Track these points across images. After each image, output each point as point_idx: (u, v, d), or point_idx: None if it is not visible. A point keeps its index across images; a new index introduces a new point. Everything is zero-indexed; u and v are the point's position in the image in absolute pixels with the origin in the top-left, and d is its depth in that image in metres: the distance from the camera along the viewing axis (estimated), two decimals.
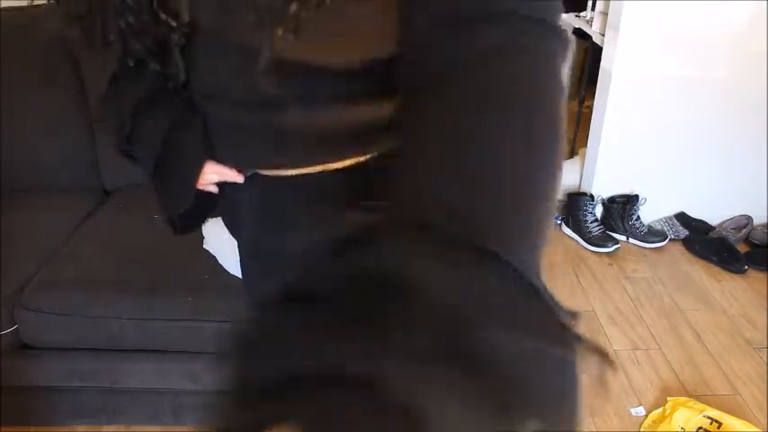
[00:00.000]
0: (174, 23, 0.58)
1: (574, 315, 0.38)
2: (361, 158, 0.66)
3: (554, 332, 0.37)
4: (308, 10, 0.50)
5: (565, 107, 0.45)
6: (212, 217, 0.89)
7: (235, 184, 0.76)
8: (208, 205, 0.84)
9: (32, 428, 1.74)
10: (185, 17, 0.57)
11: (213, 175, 0.75)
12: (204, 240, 1.70)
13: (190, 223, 0.85)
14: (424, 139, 0.44)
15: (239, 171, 0.74)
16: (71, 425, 1.74)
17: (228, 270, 1.61)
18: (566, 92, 0.46)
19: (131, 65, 0.64)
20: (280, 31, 0.51)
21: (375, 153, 0.66)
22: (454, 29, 0.45)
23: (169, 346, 1.57)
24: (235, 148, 0.72)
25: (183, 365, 1.58)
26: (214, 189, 0.80)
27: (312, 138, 0.65)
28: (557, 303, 0.38)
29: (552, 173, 0.43)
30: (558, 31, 0.46)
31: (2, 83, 1.95)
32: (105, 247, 1.73)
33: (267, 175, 0.72)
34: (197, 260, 1.65)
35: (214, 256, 1.65)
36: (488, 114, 0.43)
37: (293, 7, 0.49)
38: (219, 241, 1.67)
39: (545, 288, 0.38)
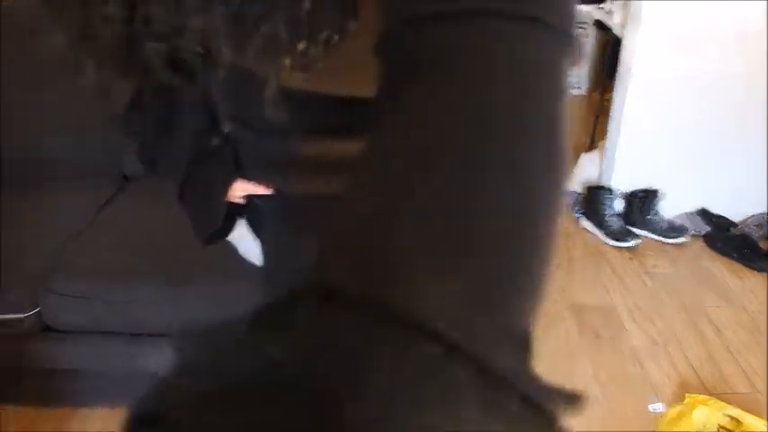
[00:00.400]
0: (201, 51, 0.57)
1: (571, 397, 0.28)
2: None
3: None
4: (316, 47, 0.48)
5: (566, 119, 0.35)
6: None
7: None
8: (234, 216, 0.87)
9: (55, 410, 1.76)
10: (221, 51, 0.50)
11: (241, 191, 0.78)
12: None
13: (217, 234, 0.88)
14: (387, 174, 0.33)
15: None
16: (92, 406, 1.77)
17: (247, 258, 1.61)
18: (565, 98, 0.36)
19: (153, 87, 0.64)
20: (287, 62, 0.50)
21: None
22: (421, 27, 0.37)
23: (189, 331, 1.58)
24: (257, 172, 0.74)
25: None
26: (241, 201, 0.83)
27: (324, 165, 0.66)
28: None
29: (550, 218, 0.32)
30: (555, 31, 0.37)
31: (24, 65, 1.96)
32: (126, 232, 1.75)
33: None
34: (216, 247, 1.65)
35: (235, 245, 1.65)
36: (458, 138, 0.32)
37: (301, 45, 0.48)
38: (239, 230, 1.67)
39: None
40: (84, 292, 1.56)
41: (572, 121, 0.47)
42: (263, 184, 0.75)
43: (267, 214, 0.82)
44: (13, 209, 1.82)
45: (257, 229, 0.91)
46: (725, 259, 2.55)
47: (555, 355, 2.02)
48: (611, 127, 2.68)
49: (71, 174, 2.07)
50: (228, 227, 0.89)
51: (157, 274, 1.57)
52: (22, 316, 1.58)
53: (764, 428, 1.64)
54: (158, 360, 1.62)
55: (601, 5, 3.05)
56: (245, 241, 1.70)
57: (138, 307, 1.55)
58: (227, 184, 0.75)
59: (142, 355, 1.62)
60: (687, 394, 1.84)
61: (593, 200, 2.69)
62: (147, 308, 1.55)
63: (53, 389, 1.71)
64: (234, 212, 0.85)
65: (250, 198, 0.81)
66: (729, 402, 1.77)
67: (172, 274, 1.58)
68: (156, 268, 1.59)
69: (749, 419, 1.68)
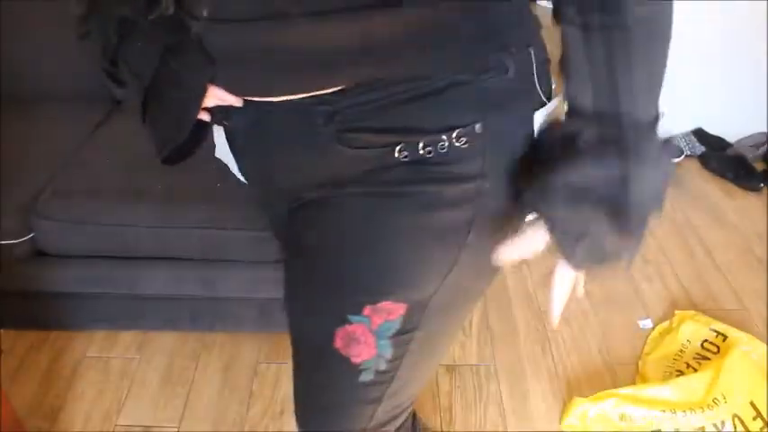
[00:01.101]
0: None
1: None
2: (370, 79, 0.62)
3: None
4: None
5: None
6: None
7: (227, 112, 0.72)
8: (200, 136, 0.82)
9: (53, 332, 1.79)
10: None
11: (212, 99, 0.71)
12: (216, 148, 1.68)
13: (179, 154, 0.82)
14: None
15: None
16: (90, 329, 1.80)
17: (241, 178, 1.60)
18: None
19: None
20: None
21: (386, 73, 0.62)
22: None
23: (183, 253, 1.59)
24: (233, 75, 0.67)
25: (199, 272, 1.61)
26: (206, 117, 0.77)
27: (319, 57, 0.61)
28: None
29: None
30: None
31: None
32: (118, 155, 1.72)
33: (260, 102, 0.69)
34: (209, 168, 1.63)
35: (226, 165, 1.63)
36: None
37: None
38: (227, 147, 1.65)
39: None
40: (76, 216, 1.56)
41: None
42: (237, 92, 0.69)
43: (238, 133, 0.77)
44: (3, 135, 1.79)
45: (234, 152, 0.86)
46: (719, 179, 2.55)
47: (548, 270, 2.05)
48: None
49: (60, 98, 2.03)
50: (192, 147, 0.84)
51: (151, 197, 1.57)
52: (15, 242, 1.58)
53: (748, 342, 1.68)
54: (153, 283, 1.63)
55: None
56: (234, 158, 1.68)
57: (131, 230, 1.55)
58: (200, 87, 0.69)
59: (138, 278, 1.63)
60: (676, 311, 1.88)
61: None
62: (140, 230, 1.55)
63: (50, 313, 1.74)
64: (199, 132, 0.81)
65: (220, 114, 0.76)
66: (717, 318, 1.81)
67: (166, 195, 1.57)
68: (149, 190, 1.58)
69: (735, 334, 1.72)
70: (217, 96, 0.70)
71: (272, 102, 0.67)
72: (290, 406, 1.61)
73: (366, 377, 0.76)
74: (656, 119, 0.63)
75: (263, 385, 1.68)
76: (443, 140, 0.63)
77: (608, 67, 0.58)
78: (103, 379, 1.69)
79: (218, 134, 1.79)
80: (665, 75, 0.63)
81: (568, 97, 0.61)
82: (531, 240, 0.68)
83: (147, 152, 1.72)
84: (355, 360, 0.75)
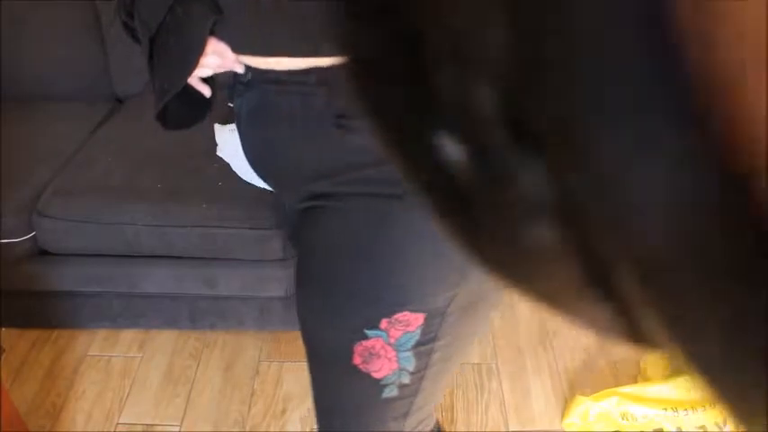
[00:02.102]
0: None
1: None
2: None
3: None
4: None
5: None
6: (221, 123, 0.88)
7: (232, 91, 0.73)
8: (201, 106, 0.81)
9: (55, 331, 1.79)
10: None
11: (213, 57, 0.70)
12: (218, 147, 1.68)
13: (181, 120, 0.82)
14: None
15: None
16: (92, 328, 1.80)
17: (242, 176, 1.60)
18: None
19: None
20: None
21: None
22: None
23: (185, 252, 1.59)
24: (239, 27, 0.67)
25: (199, 271, 1.61)
26: (207, 92, 0.78)
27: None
28: None
29: None
30: None
31: None
32: (119, 154, 1.72)
33: (264, 78, 0.68)
34: (211, 167, 1.64)
35: (227, 163, 1.64)
36: None
37: None
38: (232, 148, 1.65)
39: None
40: (77, 215, 1.56)
41: None
42: (240, 47, 0.68)
43: (242, 116, 0.75)
44: (3, 135, 1.79)
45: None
46: None
47: None
48: None
49: (61, 98, 2.03)
50: (194, 115, 0.83)
51: (152, 195, 1.57)
52: (16, 240, 1.58)
53: None
54: (155, 281, 1.63)
55: None
56: (236, 158, 1.69)
57: (132, 228, 1.55)
58: (202, 34, 0.67)
59: (139, 277, 1.63)
60: None
61: None
62: (141, 229, 1.55)
63: (52, 311, 1.74)
64: (201, 102, 0.80)
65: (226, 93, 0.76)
66: None
67: (167, 194, 1.57)
68: (150, 189, 1.58)
69: None
70: (216, 51, 0.69)
71: (273, 79, 0.67)
72: (292, 404, 1.62)
73: (389, 393, 0.73)
74: None
75: (264, 384, 1.68)
76: None
77: None
78: (105, 378, 1.69)
79: (220, 133, 1.80)
80: None
81: None
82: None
83: (148, 151, 1.75)
84: (376, 375, 0.71)
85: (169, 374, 1.70)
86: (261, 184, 1.57)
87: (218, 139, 1.70)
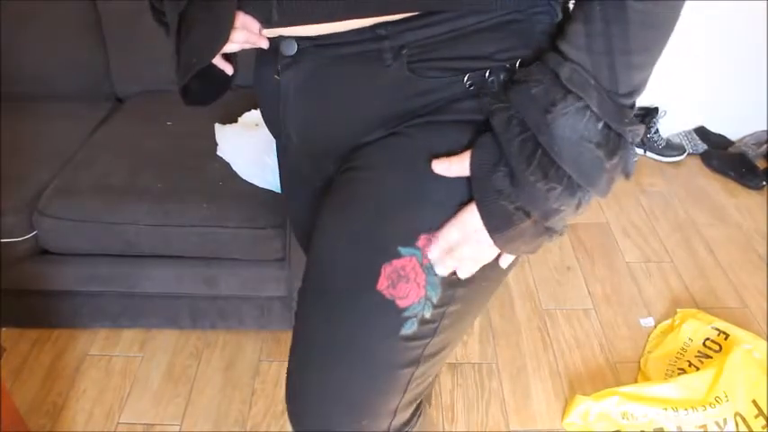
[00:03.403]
0: None
1: None
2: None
3: None
4: None
5: None
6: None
7: (274, 64, 0.72)
8: (222, 84, 0.81)
9: (56, 330, 1.80)
10: None
11: (241, 32, 0.69)
12: (218, 147, 1.68)
13: (201, 97, 0.81)
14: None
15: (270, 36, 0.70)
16: (93, 327, 1.80)
17: (242, 176, 1.60)
18: None
19: None
20: None
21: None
22: None
23: (185, 251, 1.59)
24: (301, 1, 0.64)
25: (200, 270, 1.61)
26: (230, 70, 0.79)
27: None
28: None
29: None
30: None
31: None
32: (120, 153, 1.73)
33: (313, 50, 0.68)
34: (211, 167, 1.64)
35: (228, 163, 1.64)
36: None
37: None
38: (233, 148, 1.66)
39: None
40: (78, 214, 1.56)
41: None
42: (295, 19, 0.66)
43: (286, 92, 0.74)
44: (4, 134, 1.79)
45: (274, 121, 0.81)
46: (720, 178, 2.54)
47: (550, 270, 2.05)
48: None
49: (61, 97, 2.03)
50: (215, 91, 0.82)
51: (153, 195, 1.57)
52: (17, 240, 1.58)
53: (750, 340, 1.68)
54: (155, 281, 1.63)
55: None
56: (237, 158, 1.70)
57: (133, 228, 1.55)
58: (230, 11, 0.67)
59: (139, 277, 1.63)
60: (678, 309, 1.87)
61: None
62: (142, 228, 1.55)
63: (53, 311, 1.74)
64: (222, 79, 0.80)
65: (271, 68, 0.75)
66: (719, 316, 1.81)
67: (167, 194, 1.57)
68: (151, 189, 1.58)
69: (737, 332, 1.72)
70: (245, 25, 0.69)
71: (330, 44, 0.66)
72: None
73: (408, 329, 0.68)
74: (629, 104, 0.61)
75: (264, 383, 1.68)
76: (506, 70, 0.65)
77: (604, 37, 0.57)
78: (105, 377, 1.69)
79: (220, 134, 1.80)
80: (652, 70, 0.62)
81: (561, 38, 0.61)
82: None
83: (148, 151, 1.75)
84: (401, 304, 0.66)
85: (169, 374, 1.70)
86: (261, 183, 1.58)
87: (218, 138, 1.70)
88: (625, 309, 1.92)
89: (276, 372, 1.71)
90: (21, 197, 1.59)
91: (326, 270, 0.72)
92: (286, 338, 1.79)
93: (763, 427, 1.51)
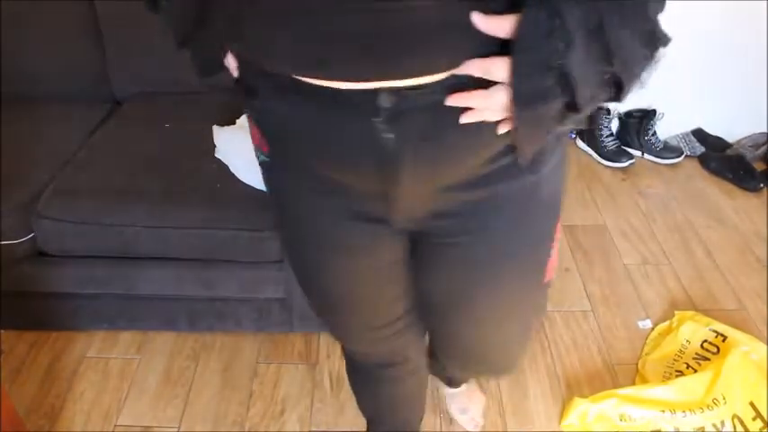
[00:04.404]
0: None
1: None
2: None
3: None
4: None
5: None
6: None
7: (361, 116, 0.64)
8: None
9: (53, 333, 1.80)
10: None
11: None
12: (216, 149, 1.68)
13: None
14: None
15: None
16: (91, 329, 1.80)
17: (240, 178, 1.60)
18: None
19: None
20: None
21: None
22: None
23: (183, 253, 1.59)
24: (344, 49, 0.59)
25: (197, 272, 1.61)
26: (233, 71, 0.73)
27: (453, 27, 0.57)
28: None
29: None
30: None
31: None
32: (118, 155, 1.73)
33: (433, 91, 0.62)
34: (209, 168, 1.64)
35: (226, 165, 1.64)
36: None
37: None
38: (231, 149, 1.66)
39: None
40: (76, 216, 1.56)
41: None
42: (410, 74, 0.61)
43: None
44: (3, 135, 1.79)
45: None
46: (718, 180, 2.55)
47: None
48: None
49: (60, 98, 2.03)
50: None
51: (151, 197, 1.57)
52: (15, 242, 1.58)
53: (748, 343, 1.68)
54: (153, 283, 1.63)
55: None
56: (235, 160, 1.70)
57: (131, 230, 1.55)
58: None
59: (137, 279, 1.63)
60: (676, 311, 1.88)
61: (589, 120, 2.66)
62: (140, 230, 1.55)
63: (51, 313, 1.74)
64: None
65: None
66: (716, 318, 1.81)
67: (165, 196, 1.57)
68: (149, 191, 1.58)
69: (734, 334, 1.72)
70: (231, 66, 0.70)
71: (448, 86, 0.62)
72: (290, 405, 1.62)
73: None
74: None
75: (262, 385, 1.68)
76: None
77: None
78: (103, 379, 1.69)
79: (219, 136, 1.80)
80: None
81: None
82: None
83: (147, 153, 1.75)
84: (549, 277, 0.91)
85: (167, 376, 1.70)
86: (259, 185, 1.58)
87: (216, 140, 1.70)
88: (623, 311, 1.92)
89: (274, 373, 1.71)
90: (19, 199, 1.59)
91: (508, 298, 0.92)
92: (284, 340, 1.79)
93: (760, 429, 1.51)
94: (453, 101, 0.62)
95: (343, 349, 1.21)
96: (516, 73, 0.58)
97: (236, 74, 0.72)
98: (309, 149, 0.72)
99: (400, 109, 0.62)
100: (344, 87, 0.61)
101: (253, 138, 0.82)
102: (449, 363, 1.16)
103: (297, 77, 0.63)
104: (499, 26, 0.57)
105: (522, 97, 0.60)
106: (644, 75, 0.62)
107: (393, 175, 0.70)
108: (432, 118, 0.64)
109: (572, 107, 0.62)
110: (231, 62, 0.70)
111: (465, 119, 0.63)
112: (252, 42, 0.65)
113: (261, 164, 0.84)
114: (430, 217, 0.79)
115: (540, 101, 0.60)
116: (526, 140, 0.68)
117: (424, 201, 0.76)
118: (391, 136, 0.65)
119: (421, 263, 0.91)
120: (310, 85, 0.63)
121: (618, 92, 0.62)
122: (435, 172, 0.71)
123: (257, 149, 0.82)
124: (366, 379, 1.22)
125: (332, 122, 0.66)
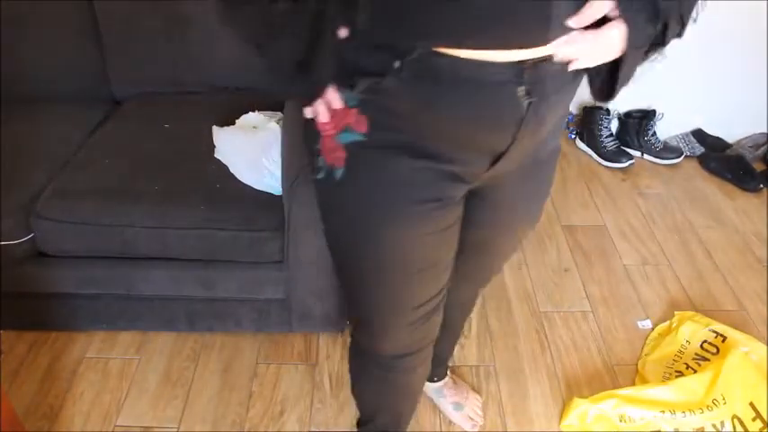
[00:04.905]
0: None
1: None
2: None
3: None
4: None
5: None
6: None
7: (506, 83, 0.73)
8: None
9: (53, 333, 1.79)
10: None
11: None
12: (216, 149, 1.68)
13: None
14: None
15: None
16: (90, 330, 1.80)
17: (240, 178, 1.60)
18: None
19: None
20: None
21: None
22: None
23: (182, 254, 1.59)
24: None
25: (197, 273, 1.61)
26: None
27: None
28: None
29: None
30: None
31: None
32: (118, 156, 1.72)
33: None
34: (209, 169, 1.64)
35: (225, 165, 1.64)
36: None
37: None
38: (230, 150, 1.66)
39: None
40: (76, 217, 1.55)
41: None
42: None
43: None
44: (3, 135, 1.79)
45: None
46: (718, 180, 2.55)
47: (547, 271, 2.05)
48: None
49: (60, 98, 2.03)
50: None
51: (150, 197, 1.57)
52: (15, 242, 1.58)
53: (747, 343, 1.68)
54: (153, 283, 1.63)
55: None
56: (234, 161, 1.70)
57: (131, 230, 1.55)
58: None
59: (137, 279, 1.63)
60: (675, 312, 1.88)
61: (589, 120, 2.67)
62: (140, 231, 1.55)
63: (50, 313, 1.74)
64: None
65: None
66: (716, 319, 1.81)
67: (165, 196, 1.57)
68: (149, 191, 1.58)
69: (734, 334, 1.72)
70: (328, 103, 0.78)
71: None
72: (290, 406, 1.62)
73: None
74: None
75: (262, 386, 1.68)
76: None
77: None
78: (103, 379, 1.69)
79: (218, 136, 1.80)
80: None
81: None
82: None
83: (146, 153, 1.74)
84: None
85: (167, 376, 1.70)
86: (259, 185, 1.58)
87: (216, 141, 1.70)
88: (622, 311, 1.92)
89: (274, 374, 1.71)
90: (18, 199, 1.59)
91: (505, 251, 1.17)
92: (284, 340, 1.79)
93: (760, 430, 1.51)
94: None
95: (357, 343, 1.19)
96: (630, 20, 0.71)
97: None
98: (442, 123, 0.76)
99: (540, 76, 0.71)
100: (492, 59, 0.68)
101: (337, 120, 0.81)
102: (455, 285, 1.14)
103: (443, 52, 0.68)
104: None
105: (636, 43, 0.74)
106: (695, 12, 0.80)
107: (516, 136, 0.78)
108: (560, 77, 0.74)
109: (658, 44, 0.78)
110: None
111: (573, 66, 0.72)
112: (401, 20, 0.68)
113: (348, 145, 0.82)
114: (513, 169, 0.89)
115: (645, 43, 0.76)
116: (625, 77, 0.79)
117: (523, 155, 0.85)
118: (528, 100, 0.73)
119: (467, 214, 0.98)
120: (454, 60, 0.68)
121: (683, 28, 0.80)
122: (544, 127, 0.81)
123: (347, 130, 0.81)
124: (378, 371, 1.20)
125: (474, 95, 0.72)
